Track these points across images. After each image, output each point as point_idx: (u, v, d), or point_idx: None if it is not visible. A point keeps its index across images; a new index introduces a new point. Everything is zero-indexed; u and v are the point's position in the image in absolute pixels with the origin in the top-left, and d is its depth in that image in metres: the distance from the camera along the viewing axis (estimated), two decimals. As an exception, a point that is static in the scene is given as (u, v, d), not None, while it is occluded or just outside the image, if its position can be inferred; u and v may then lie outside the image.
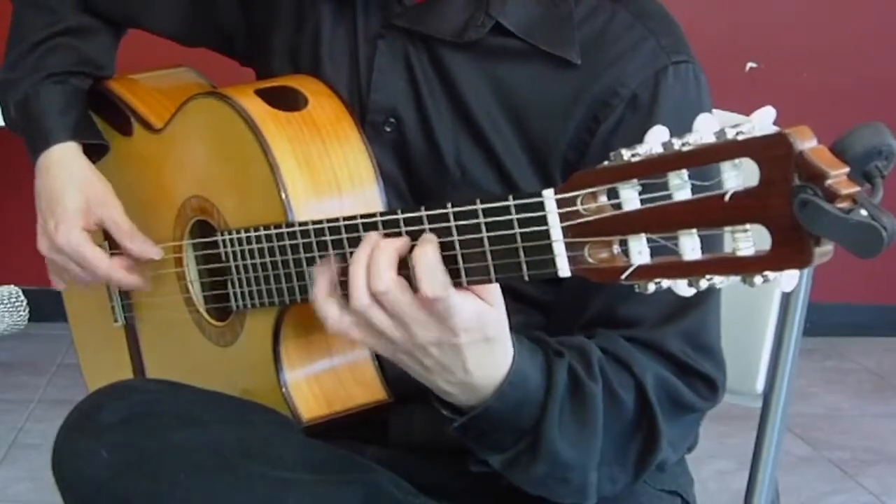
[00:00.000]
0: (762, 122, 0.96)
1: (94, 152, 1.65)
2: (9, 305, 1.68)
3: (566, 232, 1.08)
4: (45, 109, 1.62)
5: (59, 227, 1.56)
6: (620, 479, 1.33)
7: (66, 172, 1.60)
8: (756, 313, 1.64)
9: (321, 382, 1.41)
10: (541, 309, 1.42)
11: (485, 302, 1.18)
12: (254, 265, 1.38)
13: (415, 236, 1.19)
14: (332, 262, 1.24)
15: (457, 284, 1.17)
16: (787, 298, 1.64)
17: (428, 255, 1.15)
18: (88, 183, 1.59)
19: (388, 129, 1.43)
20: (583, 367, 1.29)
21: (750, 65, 3.92)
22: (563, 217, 1.08)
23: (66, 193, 1.58)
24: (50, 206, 1.58)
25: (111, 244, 1.64)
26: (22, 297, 1.70)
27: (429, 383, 1.24)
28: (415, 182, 1.44)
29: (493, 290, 1.18)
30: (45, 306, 1.64)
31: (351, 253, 1.24)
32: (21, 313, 1.69)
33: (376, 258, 1.18)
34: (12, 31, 1.70)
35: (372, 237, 1.20)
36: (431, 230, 1.18)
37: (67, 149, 1.62)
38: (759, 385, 1.66)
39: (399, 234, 1.20)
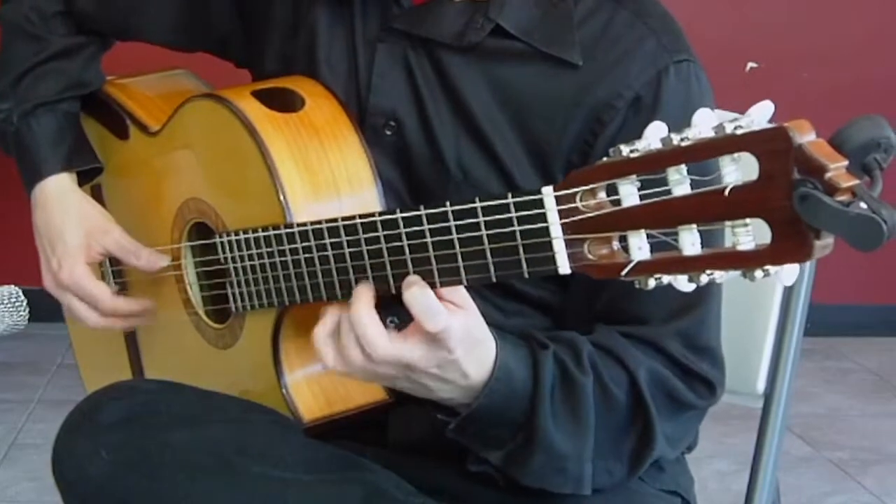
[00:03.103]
0: (760, 116, 0.97)
1: (93, 170, 1.65)
2: (9, 305, 1.68)
3: (566, 229, 1.09)
4: (37, 141, 1.62)
5: (62, 264, 1.57)
6: (616, 473, 1.35)
7: (62, 208, 1.60)
8: (756, 314, 1.64)
9: (321, 383, 1.41)
10: (542, 310, 1.42)
11: (461, 308, 1.21)
12: (252, 267, 1.38)
13: (413, 249, 1.20)
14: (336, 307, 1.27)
15: (456, 282, 1.19)
16: (787, 299, 1.64)
17: (420, 298, 1.19)
18: (85, 216, 1.60)
19: (388, 133, 1.43)
20: (572, 360, 1.31)
21: (750, 65, 3.92)
22: (562, 214, 1.09)
23: (66, 230, 1.58)
24: (51, 244, 1.59)
25: (113, 261, 1.65)
26: (22, 297, 1.70)
27: (430, 396, 1.27)
28: (415, 185, 1.43)
29: (464, 293, 1.21)
30: (45, 306, 1.64)
31: (350, 254, 1.25)
32: (21, 313, 1.69)
33: (364, 332, 1.20)
34: (1, 59, 1.69)
35: (356, 308, 1.22)
36: (430, 230, 1.18)
37: (61, 181, 1.61)
38: (760, 385, 1.66)
39: (398, 236, 1.21)
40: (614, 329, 1.36)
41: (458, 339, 1.20)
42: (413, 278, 1.20)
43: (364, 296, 1.23)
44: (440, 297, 1.20)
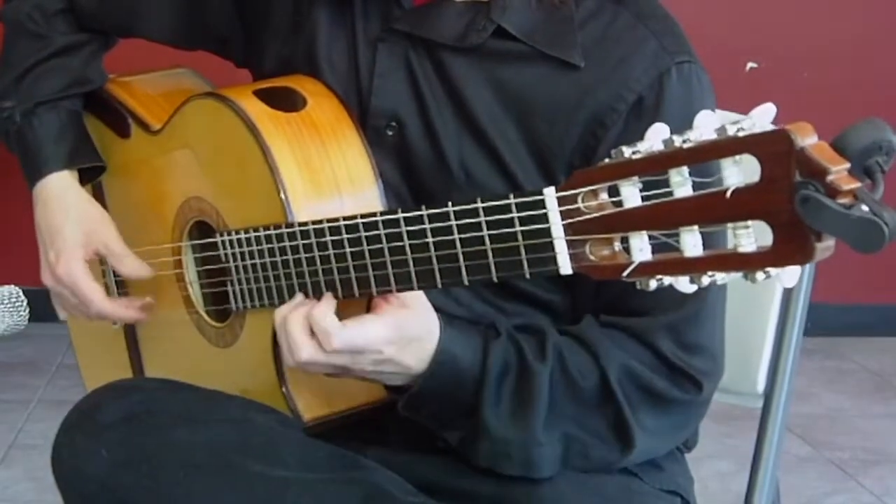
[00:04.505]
0: (762, 118, 0.97)
1: (95, 169, 1.65)
2: (9, 305, 1.68)
3: (567, 229, 1.09)
4: (39, 139, 1.62)
5: (59, 259, 1.57)
6: (595, 456, 1.37)
7: (62, 206, 1.60)
8: (757, 314, 1.64)
9: (322, 382, 1.40)
10: (543, 310, 1.43)
11: (399, 306, 1.27)
12: (253, 266, 1.38)
13: (414, 249, 1.22)
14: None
15: (457, 283, 1.19)
16: (787, 299, 1.64)
17: (315, 316, 1.28)
18: (85, 214, 1.60)
19: (389, 133, 1.43)
20: (533, 348, 1.34)
21: (750, 65, 3.92)
22: (564, 215, 1.09)
23: (65, 226, 1.58)
24: (51, 239, 1.59)
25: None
26: (22, 297, 1.69)
27: (380, 382, 1.35)
28: (417, 187, 1.43)
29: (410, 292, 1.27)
30: (45, 306, 1.63)
31: (351, 254, 1.27)
32: (21, 313, 1.69)
33: (290, 331, 1.29)
34: (3, 58, 1.68)
35: (282, 310, 1.32)
36: (432, 230, 1.19)
37: (62, 179, 1.61)
38: (760, 385, 1.66)
39: (399, 235, 1.22)
40: (607, 318, 1.38)
41: (383, 341, 1.27)
42: (324, 297, 1.30)
43: (304, 307, 1.30)
44: (382, 296, 1.27)
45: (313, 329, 1.28)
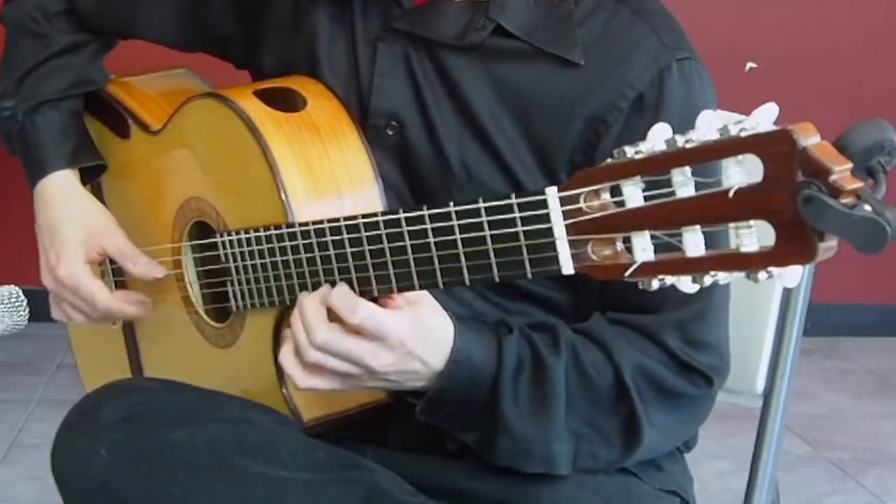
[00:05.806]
0: (765, 118, 0.97)
1: (96, 169, 1.65)
2: (9, 305, 1.68)
3: (569, 230, 1.09)
4: (41, 138, 1.62)
5: (60, 260, 1.57)
6: (602, 457, 1.36)
7: (64, 205, 1.59)
8: (756, 313, 1.64)
9: (322, 383, 1.41)
10: (545, 307, 1.43)
11: (410, 303, 1.26)
12: (253, 266, 1.38)
13: (415, 249, 1.22)
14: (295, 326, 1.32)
15: (459, 283, 1.19)
16: (787, 298, 1.64)
17: (336, 293, 1.27)
18: (87, 214, 1.60)
19: (390, 133, 1.42)
20: (547, 344, 1.33)
21: (750, 65, 3.91)
22: (566, 215, 1.09)
23: (67, 227, 1.58)
24: (51, 240, 1.58)
25: (115, 271, 1.65)
26: (22, 297, 1.70)
27: (402, 389, 1.32)
28: (418, 186, 1.43)
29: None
30: (45, 306, 1.63)
31: (352, 254, 1.26)
32: (21, 313, 1.69)
33: (306, 316, 1.28)
34: (5, 59, 1.69)
35: (301, 301, 1.30)
36: (433, 230, 1.19)
37: (64, 178, 1.61)
38: (760, 385, 1.66)
39: (400, 235, 1.22)
40: (614, 316, 1.38)
41: (401, 332, 1.25)
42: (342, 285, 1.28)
43: (319, 292, 1.29)
44: (389, 296, 1.26)
45: (333, 305, 1.26)
